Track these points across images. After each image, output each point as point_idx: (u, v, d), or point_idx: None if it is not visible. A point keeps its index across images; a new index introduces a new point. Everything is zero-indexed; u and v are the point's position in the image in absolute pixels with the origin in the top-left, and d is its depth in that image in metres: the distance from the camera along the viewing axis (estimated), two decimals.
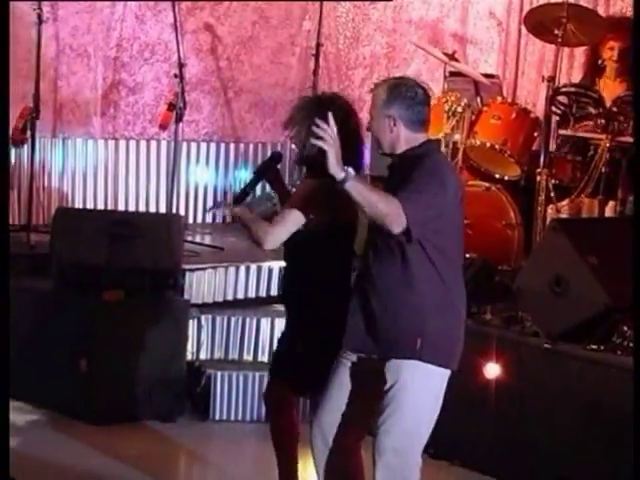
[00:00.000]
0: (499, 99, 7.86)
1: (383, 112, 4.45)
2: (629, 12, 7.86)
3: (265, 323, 7.13)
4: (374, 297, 4.42)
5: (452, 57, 7.95)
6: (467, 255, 6.81)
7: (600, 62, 7.80)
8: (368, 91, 4.77)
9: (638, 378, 4.64)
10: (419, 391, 4.41)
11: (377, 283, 4.42)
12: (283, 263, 5.05)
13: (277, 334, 7.05)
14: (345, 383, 4.54)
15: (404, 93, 4.46)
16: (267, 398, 5.17)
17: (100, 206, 8.39)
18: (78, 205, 8.29)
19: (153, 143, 8.67)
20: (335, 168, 4.15)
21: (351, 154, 4.55)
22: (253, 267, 7.39)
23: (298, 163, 5.01)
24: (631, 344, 5.84)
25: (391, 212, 4.19)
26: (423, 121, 4.50)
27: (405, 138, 4.45)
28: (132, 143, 8.63)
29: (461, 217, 4.56)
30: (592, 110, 7.27)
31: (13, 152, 7.95)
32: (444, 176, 4.43)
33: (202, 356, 7.03)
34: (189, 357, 6.91)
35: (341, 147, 4.24)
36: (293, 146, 4.96)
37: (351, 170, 4.18)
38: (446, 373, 4.47)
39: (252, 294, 7.39)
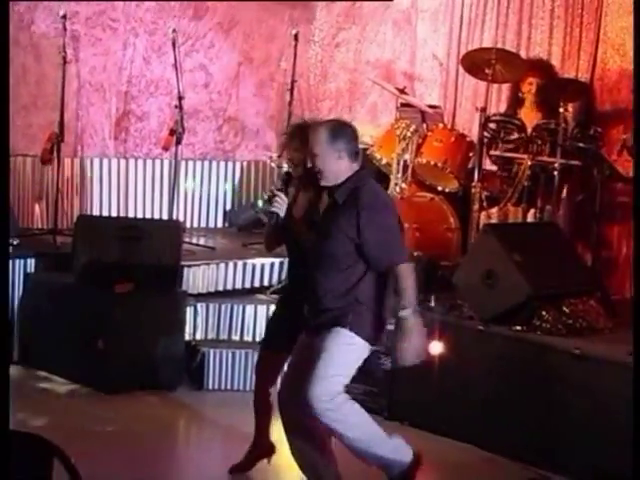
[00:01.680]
0: (441, 126, 7.87)
1: (331, 147, 4.37)
2: (545, 56, 7.90)
3: (250, 309, 7.10)
4: (321, 292, 4.42)
5: (402, 91, 7.96)
6: (415, 253, 6.82)
7: (520, 95, 7.81)
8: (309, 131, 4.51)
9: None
10: (344, 348, 4.41)
11: (322, 282, 4.42)
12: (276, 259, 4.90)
13: (259, 318, 7.05)
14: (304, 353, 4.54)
15: (345, 130, 4.43)
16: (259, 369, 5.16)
17: (114, 213, 8.35)
18: (96, 213, 8.24)
19: (157, 162, 8.63)
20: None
21: None
22: (240, 263, 7.38)
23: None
24: (548, 325, 5.87)
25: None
26: (357, 153, 4.46)
27: (346, 169, 4.40)
28: (140, 162, 8.60)
29: None
30: (516, 135, 7.30)
31: (42, 169, 7.92)
32: (389, 201, 4.57)
33: (198, 337, 7.00)
34: (187, 337, 6.88)
35: None
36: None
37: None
38: (366, 345, 4.47)
39: (239, 286, 7.38)
